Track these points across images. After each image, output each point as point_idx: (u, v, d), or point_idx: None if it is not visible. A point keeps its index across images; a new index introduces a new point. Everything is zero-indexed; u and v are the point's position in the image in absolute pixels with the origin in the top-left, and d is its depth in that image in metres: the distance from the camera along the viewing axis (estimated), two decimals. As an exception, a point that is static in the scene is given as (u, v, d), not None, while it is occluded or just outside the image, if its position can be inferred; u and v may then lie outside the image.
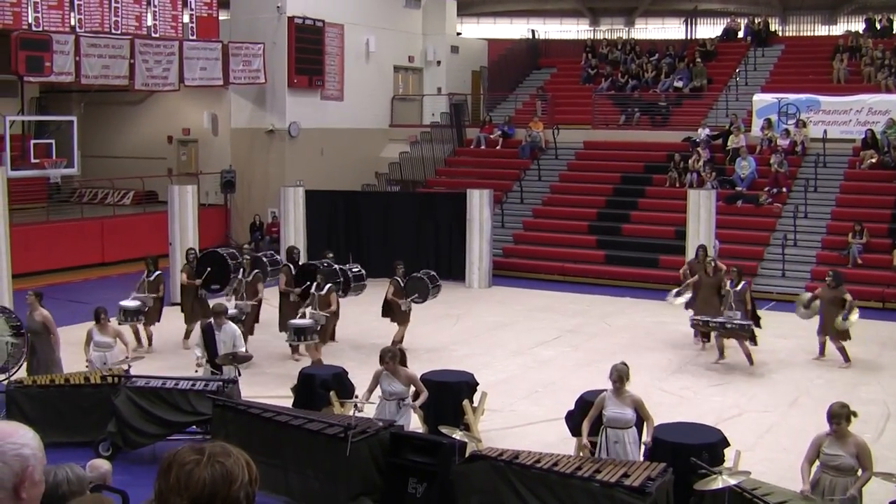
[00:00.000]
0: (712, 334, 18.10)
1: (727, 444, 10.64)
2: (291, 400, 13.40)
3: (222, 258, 19.14)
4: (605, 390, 10.84)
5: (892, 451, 13.04)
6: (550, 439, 12.82)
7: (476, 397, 13.10)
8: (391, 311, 18.11)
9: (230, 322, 14.59)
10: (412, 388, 11.95)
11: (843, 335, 17.77)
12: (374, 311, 18.77)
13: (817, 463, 9.50)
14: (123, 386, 12.83)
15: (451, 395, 12.74)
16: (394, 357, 11.87)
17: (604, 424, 10.68)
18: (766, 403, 15.43)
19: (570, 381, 15.63)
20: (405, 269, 18.44)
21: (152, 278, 18.53)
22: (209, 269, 18.89)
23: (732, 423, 13.60)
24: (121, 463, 11.36)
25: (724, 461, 10.07)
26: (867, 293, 23.51)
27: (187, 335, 18.74)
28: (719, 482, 8.50)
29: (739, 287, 18.00)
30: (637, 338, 19.60)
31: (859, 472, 9.34)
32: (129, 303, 18.10)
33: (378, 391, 11.99)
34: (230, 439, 10.40)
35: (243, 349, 14.38)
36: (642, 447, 10.68)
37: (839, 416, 9.36)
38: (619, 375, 10.72)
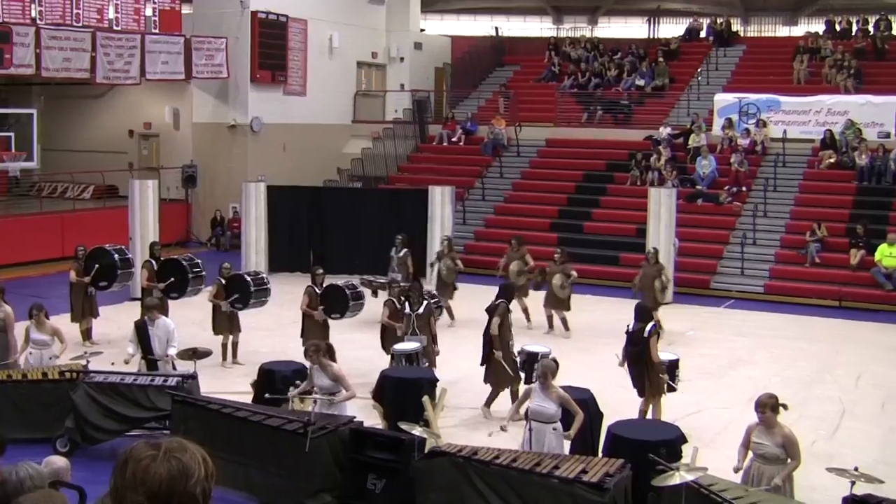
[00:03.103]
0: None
1: (685, 441, 10.73)
2: (251, 395, 13.39)
3: (109, 254, 18.98)
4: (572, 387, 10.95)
5: (847, 448, 13.19)
6: (509, 436, 12.85)
7: (436, 394, 13.11)
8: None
9: (163, 317, 14.52)
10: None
11: (565, 304, 19.70)
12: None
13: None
14: (82, 381, 12.74)
15: (411, 391, 12.75)
16: (317, 350, 11.89)
17: (529, 416, 10.79)
18: (725, 401, 15.56)
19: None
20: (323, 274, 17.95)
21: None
22: (97, 265, 18.73)
23: (691, 420, 13.73)
24: (79, 459, 11.29)
25: (681, 457, 10.16)
26: (825, 292, 23.80)
27: (84, 335, 18.52)
28: (677, 478, 8.56)
29: (402, 253, 21.32)
30: (597, 335, 19.67)
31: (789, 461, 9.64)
32: None
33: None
34: (190, 435, 10.40)
35: (176, 345, 14.32)
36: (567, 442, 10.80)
37: (764, 405, 9.69)
38: (544, 371, 10.88)
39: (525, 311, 20.50)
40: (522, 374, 14.37)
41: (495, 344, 14.59)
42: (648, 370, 13.39)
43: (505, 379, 14.45)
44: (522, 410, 11.14)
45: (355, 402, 12.38)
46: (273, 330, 19.19)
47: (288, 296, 20.68)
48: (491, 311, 14.99)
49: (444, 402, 13.30)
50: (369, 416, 12.55)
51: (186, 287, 18.58)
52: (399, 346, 14.80)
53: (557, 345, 16.77)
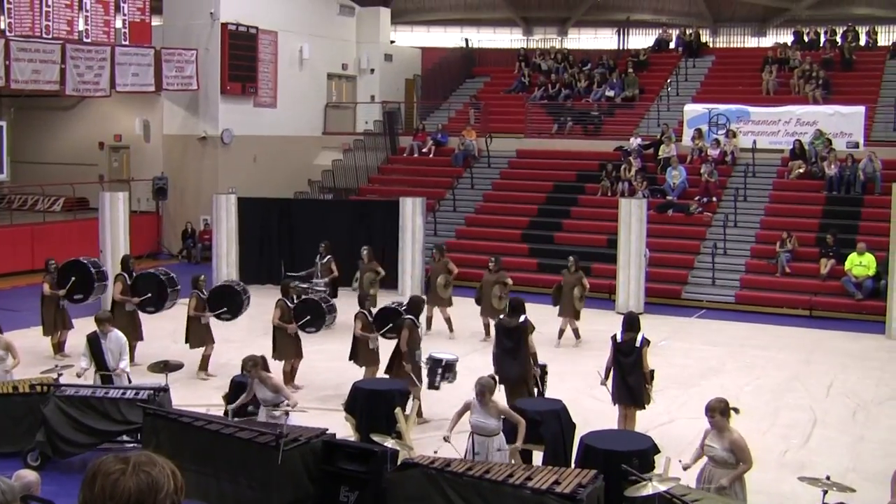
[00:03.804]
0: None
1: (657, 451, 10.77)
2: (223, 408, 13.34)
3: (85, 267, 18.94)
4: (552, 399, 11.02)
5: (818, 456, 13.25)
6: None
7: (408, 405, 13.10)
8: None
9: (115, 330, 14.45)
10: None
11: (499, 312, 19.21)
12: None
13: None
14: (53, 395, 12.65)
15: (383, 403, 12.73)
16: (255, 365, 11.98)
17: (470, 430, 10.97)
18: (696, 410, 15.51)
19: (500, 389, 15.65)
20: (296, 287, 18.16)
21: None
22: (73, 278, 18.68)
23: (663, 430, 13.76)
24: (49, 473, 11.22)
25: (654, 468, 10.18)
26: (795, 301, 23.91)
27: (56, 348, 18.41)
28: (650, 488, 8.57)
29: (325, 260, 21.96)
30: (568, 345, 19.72)
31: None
32: None
33: None
34: (161, 448, 10.36)
35: (127, 358, 14.38)
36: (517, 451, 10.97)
37: (714, 409, 9.83)
38: (482, 389, 10.97)
39: (448, 321, 20.89)
40: (426, 380, 14.67)
41: (404, 357, 14.65)
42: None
43: (412, 387, 14.39)
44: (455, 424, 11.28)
45: (328, 415, 12.36)
46: (244, 341, 19.08)
47: (259, 308, 20.62)
48: (398, 327, 15.04)
49: (416, 415, 13.29)
50: (342, 429, 12.52)
51: (164, 301, 18.59)
52: (437, 354, 14.97)
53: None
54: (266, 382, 11.94)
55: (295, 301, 17.25)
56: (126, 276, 18.50)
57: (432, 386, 14.73)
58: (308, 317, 17.13)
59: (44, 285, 18.52)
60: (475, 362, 16.56)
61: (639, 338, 13.45)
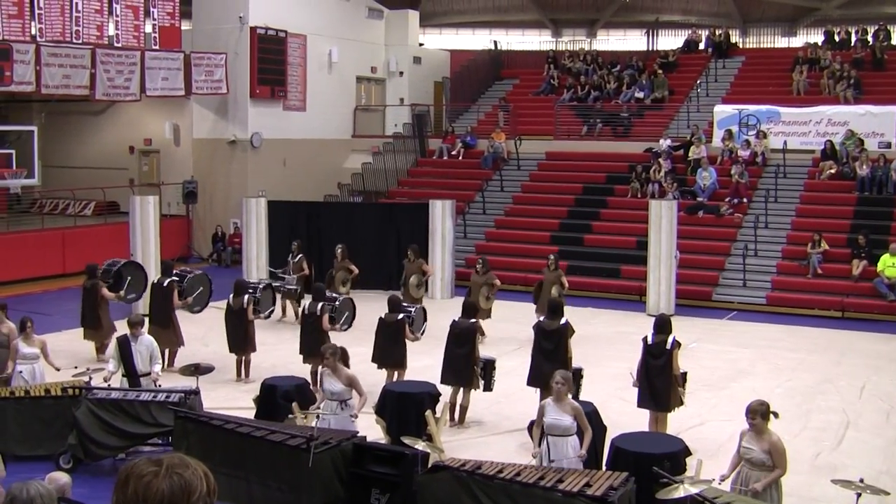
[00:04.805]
0: None
1: (689, 453, 10.72)
2: (254, 411, 13.37)
3: (139, 266, 19.88)
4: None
5: (851, 459, 13.15)
6: (512, 449, 12.84)
7: (438, 408, 13.09)
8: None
9: (146, 333, 14.50)
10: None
11: (487, 314, 20.05)
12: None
13: None
14: (84, 398, 12.71)
15: (413, 405, 12.73)
16: (334, 353, 11.86)
17: (545, 432, 10.74)
18: (728, 412, 15.49)
19: (530, 393, 15.61)
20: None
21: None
22: (129, 278, 18.96)
23: (694, 433, 13.69)
24: (81, 475, 11.28)
25: (685, 470, 10.13)
26: (827, 303, 23.76)
27: (99, 350, 18.52)
28: (681, 491, 8.53)
29: (297, 258, 22.59)
30: (598, 348, 19.66)
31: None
32: None
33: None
34: (191, 451, 10.40)
35: (160, 360, 14.52)
36: (579, 457, 10.75)
37: (755, 411, 9.79)
38: (562, 383, 10.86)
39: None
40: (482, 381, 14.81)
41: (475, 361, 14.83)
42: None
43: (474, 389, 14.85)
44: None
45: (359, 417, 12.35)
46: (274, 345, 19.16)
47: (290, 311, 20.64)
48: (470, 331, 15.11)
49: (447, 416, 13.28)
50: (372, 431, 12.52)
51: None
52: (486, 356, 15.18)
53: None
54: (340, 374, 11.86)
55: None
56: (178, 281, 18.64)
57: (488, 388, 14.91)
58: (347, 314, 18.07)
59: (102, 289, 18.45)
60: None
61: (669, 340, 13.39)
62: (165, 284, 18.27)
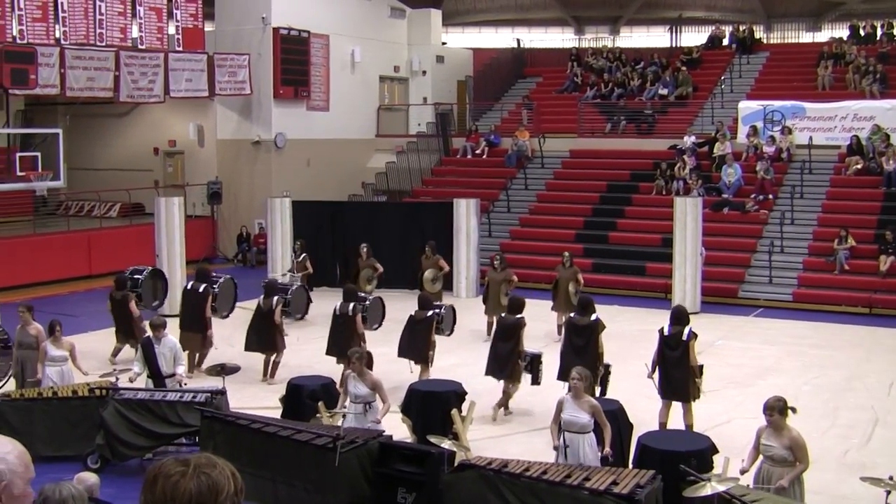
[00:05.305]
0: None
1: (716, 451, 10.68)
2: (280, 411, 13.39)
3: (161, 274, 20.44)
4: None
5: (880, 458, 13.06)
6: (539, 448, 12.81)
7: (464, 406, 13.08)
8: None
9: (169, 335, 14.53)
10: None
11: (504, 310, 19.67)
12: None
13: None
14: (111, 398, 12.76)
15: (439, 404, 12.73)
16: (360, 358, 11.93)
17: (562, 429, 10.71)
18: (754, 410, 15.38)
19: (558, 390, 15.58)
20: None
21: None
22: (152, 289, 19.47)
23: (721, 430, 13.62)
24: (107, 475, 11.32)
25: (712, 468, 10.09)
26: (854, 299, 23.63)
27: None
28: (708, 489, 8.49)
29: (301, 258, 22.73)
30: (623, 345, 19.59)
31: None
32: None
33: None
34: (218, 451, 10.41)
35: (184, 362, 14.58)
36: (605, 456, 10.70)
37: (772, 408, 9.73)
38: (579, 379, 10.85)
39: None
40: (528, 375, 14.95)
41: (520, 355, 14.98)
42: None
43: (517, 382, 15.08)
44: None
45: (384, 416, 12.35)
46: (299, 345, 19.19)
47: (312, 311, 20.61)
48: (516, 327, 15.23)
49: (473, 415, 13.27)
50: (398, 430, 12.52)
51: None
52: (531, 350, 15.34)
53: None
54: (365, 378, 11.91)
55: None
56: (213, 288, 18.65)
57: (536, 381, 15.04)
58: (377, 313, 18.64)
59: (131, 304, 18.15)
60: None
61: (686, 331, 13.41)
62: (201, 290, 18.05)
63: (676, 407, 13.61)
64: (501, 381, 15.05)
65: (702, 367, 13.83)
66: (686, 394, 13.41)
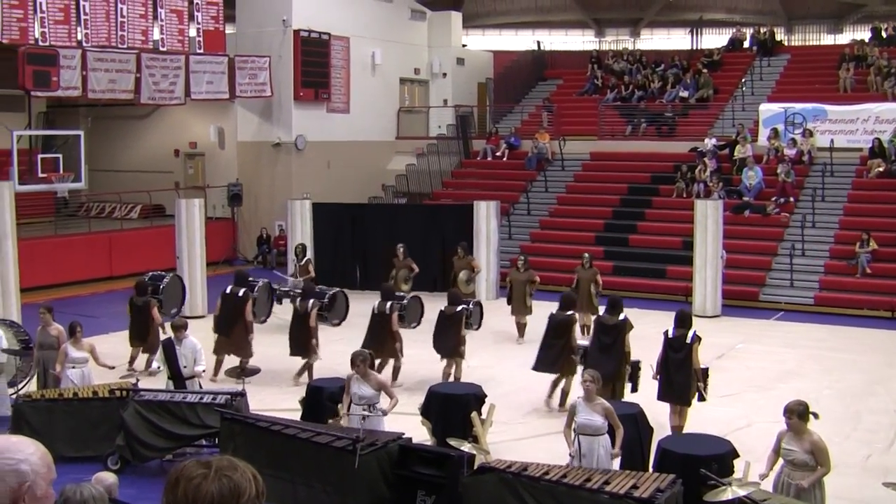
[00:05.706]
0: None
1: (736, 455, 10.62)
2: (300, 413, 13.40)
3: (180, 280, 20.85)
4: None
5: (903, 461, 12.99)
6: (559, 451, 12.77)
7: (484, 409, 13.06)
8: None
9: (191, 336, 14.54)
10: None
11: (529, 311, 20.51)
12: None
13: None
14: (132, 399, 12.80)
15: (458, 407, 12.71)
16: (364, 360, 11.96)
17: (576, 432, 10.70)
18: (774, 414, 15.31)
19: (578, 393, 15.54)
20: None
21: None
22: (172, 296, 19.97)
23: (741, 434, 13.56)
24: (127, 476, 11.35)
25: (733, 472, 10.04)
26: (876, 302, 23.51)
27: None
28: (729, 493, 8.46)
29: (303, 261, 22.63)
30: (644, 349, 19.51)
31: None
32: None
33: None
34: (238, 452, 10.42)
35: (203, 363, 14.52)
36: (617, 458, 10.70)
37: (792, 411, 9.68)
38: (592, 381, 10.89)
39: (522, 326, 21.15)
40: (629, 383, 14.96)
41: (573, 350, 15.44)
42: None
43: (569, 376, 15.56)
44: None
45: (404, 419, 12.36)
46: (320, 347, 19.17)
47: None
48: (567, 323, 15.76)
49: (493, 418, 13.24)
50: (418, 433, 12.51)
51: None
52: (581, 342, 15.75)
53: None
54: (370, 379, 11.97)
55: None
56: (252, 292, 18.53)
57: (635, 389, 15.03)
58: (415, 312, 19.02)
59: (153, 310, 17.90)
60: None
61: (690, 334, 13.47)
62: (241, 294, 17.66)
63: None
64: (544, 375, 15.61)
65: (706, 370, 13.83)
66: (686, 397, 13.46)
